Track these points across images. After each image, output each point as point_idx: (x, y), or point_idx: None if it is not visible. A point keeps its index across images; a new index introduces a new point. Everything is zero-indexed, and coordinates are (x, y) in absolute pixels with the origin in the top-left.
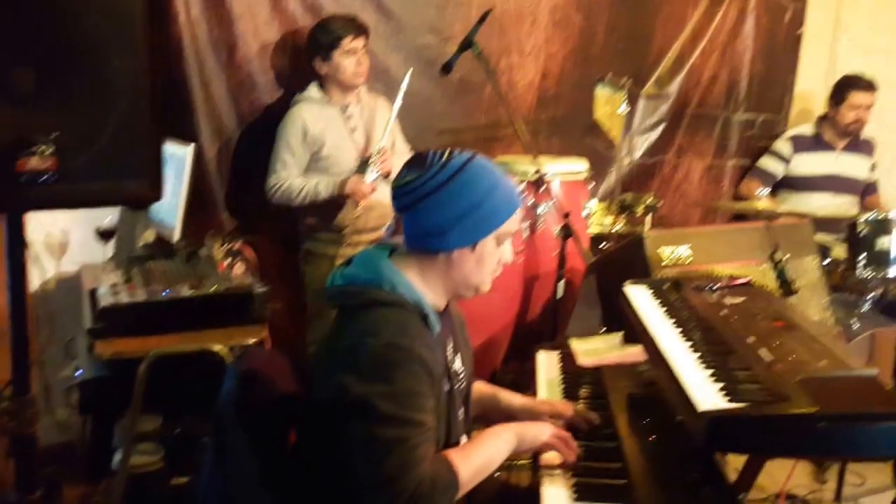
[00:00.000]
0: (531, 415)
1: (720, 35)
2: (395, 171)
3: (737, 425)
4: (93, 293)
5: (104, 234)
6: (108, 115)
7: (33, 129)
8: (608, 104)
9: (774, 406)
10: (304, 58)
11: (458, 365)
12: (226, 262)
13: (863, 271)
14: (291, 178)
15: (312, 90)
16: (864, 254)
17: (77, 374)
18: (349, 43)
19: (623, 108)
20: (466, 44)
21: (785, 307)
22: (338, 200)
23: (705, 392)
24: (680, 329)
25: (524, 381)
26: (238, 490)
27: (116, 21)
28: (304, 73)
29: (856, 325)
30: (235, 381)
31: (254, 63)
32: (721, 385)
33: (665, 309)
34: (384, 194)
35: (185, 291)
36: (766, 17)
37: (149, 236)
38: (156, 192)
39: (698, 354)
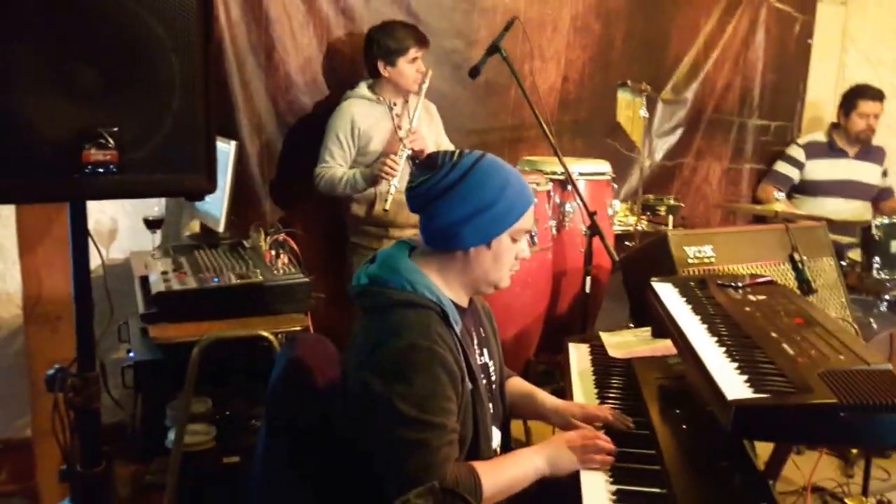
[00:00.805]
0: (562, 418)
1: (733, 44)
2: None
3: (762, 414)
4: (144, 280)
5: (152, 224)
6: (166, 111)
7: (97, 124)
8: (629, 108)
9: (797, 396)
10: (340, 63)
11: (485, 358)
12: (272, 253)
13: (879, 273)
14: (336, 168)
15: (363, 88)
16: (879, 257)
17: (130, 355)
18: (415, 52)
19: (643, 112)
20: (493, 49)
21: (806, 305)
22: (374, 195)
23: (732, 383)
24: (706, 325)
25: (555, 372)
26: (280, 470)
27: (173, 23)
28: (339, 73)
29: (874, 326)
30: (285, 366)
31: (290, 64)
32: (746, 377)
33: (691, 306)
34: None
35: (234, 280)
36: (776, 28)
37: (194, 227)
38: (211, 185)
39: (724, 349)
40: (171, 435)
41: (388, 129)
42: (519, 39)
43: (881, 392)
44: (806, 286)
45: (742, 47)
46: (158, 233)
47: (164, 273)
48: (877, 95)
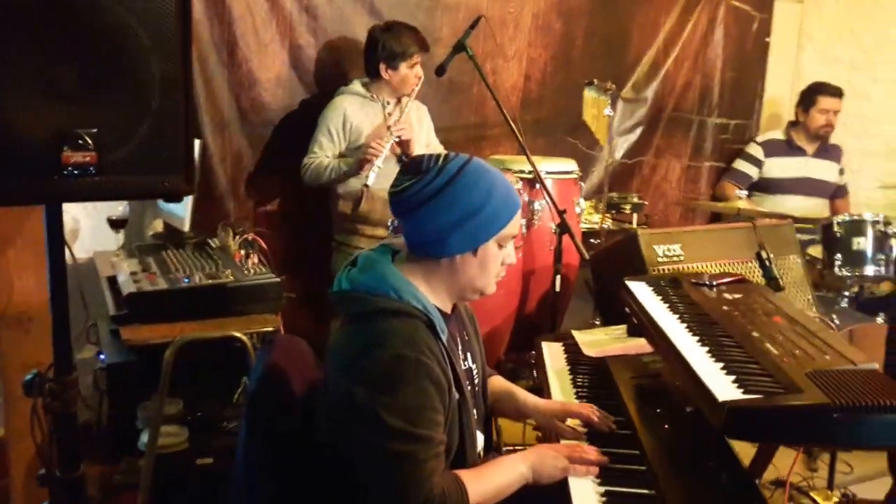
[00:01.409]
0: (544, 416)
1: (692, 43)
2: (417, 150)
3: (754, 415)
4: (112, 280)
5: (116, 223)
6: (145, 112)
7: (76, 125)
8: (595, 106)
9: (788, 397)
10: (304, 62)
11: (469, 363)
12: (242, 253)
13: (840, 270)
14: (322, 158)
15: (357, 85)
16: (840, 254)
17: (100, 357)
18: (417, 58)
19: (608, 111)
20: (459, 47)
21: (782, 303)
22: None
23: (720, 384)
24: (686, 325)
25: (524, 370)
26: (261, 473)
27: (152, 23)
28: (302, 71)
29: (836, 322)
30: (264, 368)
31: (253, 62)
32: (734, 377)
33: (668, 305)
34: None
35: (204, 280)
36: (734, 27)
37: (157, 226)
38: (190, 186)
39: (707, 349)
40: (144, 437)
41: (379, 126)
42: (482, 38)
43: (872, 392)
44: (774, 283)
45: (701, 46)
46: (122, 232)
47: (134, 274)
48: (836, 92)
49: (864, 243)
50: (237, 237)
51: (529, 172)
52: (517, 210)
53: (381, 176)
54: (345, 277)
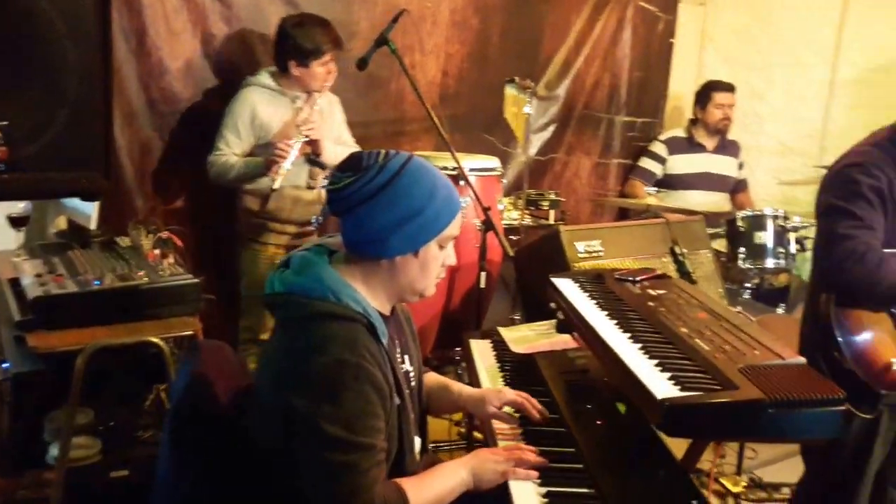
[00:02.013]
0: (478, 404)
1: (601, 42)
2: (328, 155)
3: (694, 412)
4: (15, 283)
5: (16, 221)
6: (61, 103)
7: None
8: (515, 104)
9: (725, 393)
10: (217, 50)
11: (406, 366)
12: (156, 252)
13: (743, 263)
14: (229, 156)
15: (265, 77)
16: (744, 247)
17: (4, 366)
18: (330, 55)
19: (527, 109)
20: (382, 41)
21: (705, 298)
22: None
23: (657, 381)
24: (616, 321)
25: (448, 367)
26: (188, 486)
27: (68, 12)
28: (213, 61)
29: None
30: (189, 378)
31: (164, 50)
32: (670, 374)
33: (595, 301)
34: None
35: (117, 282)
36: (642, 27)
37: (61, 224)
38: (109, 183)
39: (640, 345)
40: (54, 450)
41: (288, 124)
42: (401, 32)
43: (803, 387)
44: (687, 278)
45: (610, 45)
46: (22, 231)
47: (39, 276)
48: (728, 87)
49: (766, 237)
50: (150, 235)
51: (453, 169)
52: (459, 210)
53: (292, 173)
54: (278, 279)
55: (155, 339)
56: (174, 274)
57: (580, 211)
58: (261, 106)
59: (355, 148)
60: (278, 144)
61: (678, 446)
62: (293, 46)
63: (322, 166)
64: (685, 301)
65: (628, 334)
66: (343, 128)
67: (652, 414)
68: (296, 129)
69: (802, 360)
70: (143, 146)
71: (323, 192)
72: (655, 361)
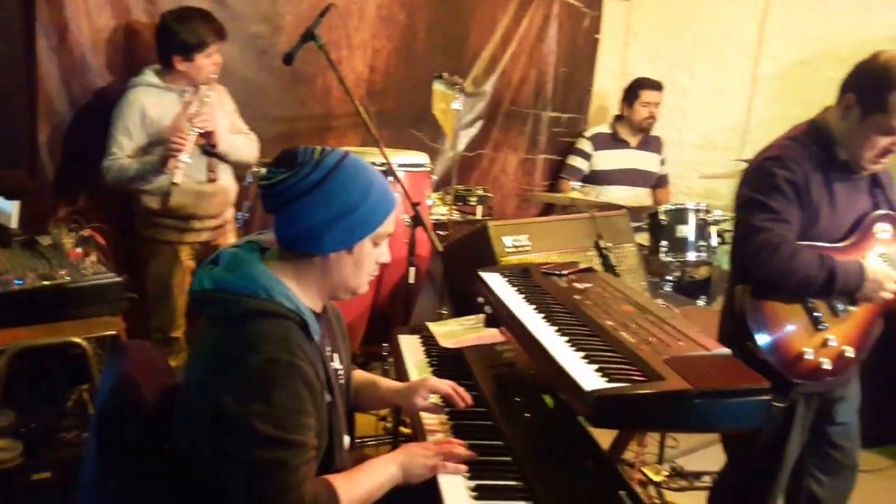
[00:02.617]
0: (404, 396)
1: (528, 38)
2: (224, 145)
3: (621, 403)
4: None
5: None
6: None
7: None
8: (443, 100)
9: (651, 385)
10: (141, 45)
11: (336, 363)
12: (78, 251)
13: (665, 256)
14: (124, 159)
15: (149, 76)
16: (666, 241)
17: None
18: (214, 47)
19: (456, 105)
20: (308, 35)
21: (631, 291)
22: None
23: (584, 373)
24: (543, 314)
25: (375, 363)
26: (114, 488)
27: None
28: (137, 56)
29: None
30: (115, 380)
31: (85, 46)
32: (597, 366)
33: (523, 295)
34: (226, 181)
35: (38, 282)
36: (567, 23)
37: None
38: (33, 181)
39: (567, 338)
40: None
41: (178, 117)
42: (328, 27)
43: (728, 377)
44: (611, 271)
45: (536, 41)
46: None
47: None
48: (656, 86)
49: (687, 230)
50: (72, 234)
51: (382, 165)
52: (394, 207)
53: (190, 168)
54: (207, 276)
55: (77, 340)
56: (97, 273)
57: (506, 206)
58: (149, 105)
59: (251, 135)
60: (172, 138)
61: (605, 438)
62: (176, 41)
63: (220, 157)
64: (610, 294)
65: (555, 327)
66: (235, 116)
67: (580, 406)
68: (188, 123)
69: (727, 350)
70: (65, 144)
71: (227, 185)
72: (582, 354)
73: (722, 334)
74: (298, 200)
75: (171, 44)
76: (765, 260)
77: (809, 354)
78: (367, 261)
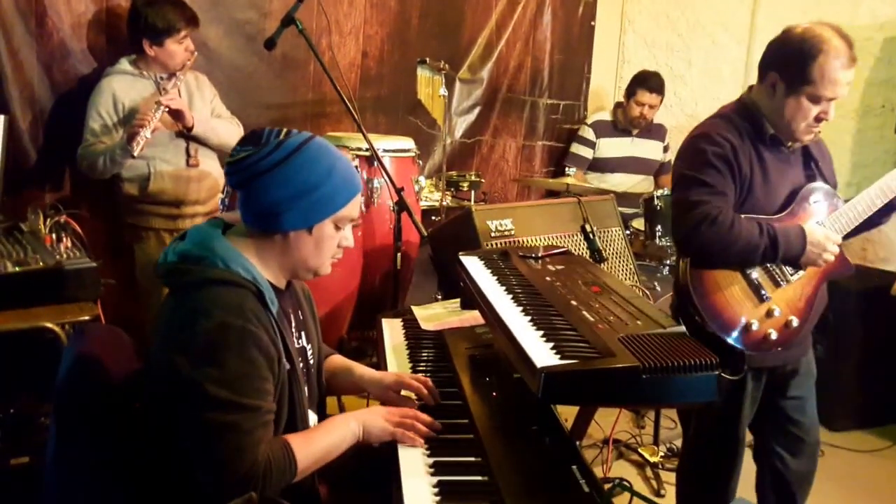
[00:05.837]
0: (378, 388)
1: (522, 25)
2: (198, 127)
3: (570, 379)
4: None
5: None
6: None
7: None
8: (428, 86)
9: (601, 361)
10: (122, 30)
11: (303, 342)
12: (52, 237)
13: (660, 241)
14: (97, 145)
15: (124, 64)
16: (660, 225)
17: None
18: (185, 32)
19: (442, 91)
20: (288, 20)
21: (601, 273)
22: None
23: (539, 350)
24: (511, 295)
25: (367, 348)
26: (83, 472)
27: None
28: (119, 42)
29: (658, 289)
30: (73, 361)
31: (65, 31)
32: (552, 344)
33: (496, 277)
34: (213, 166)
35: (11, 268)
36: (561, 11)
37: None
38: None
39: (529, 318)
40: None
41: (149, 99)
42: (315, 12)
43: (678, 354)
44: (598, 255)
45: (531, 28)
46: None
47: None
48: (655, 88)
49: None
50: (48, 220)
51: (367, 150)
52: (357, 193)
53: (168, 153)
54: (171, 250)
55: (50, 325)
56: (71, 258)
57: (508, 192)
58: (122, 91)
59: (234, 119)
60: (137, 115)
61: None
62: (145, 25)
63: (199, 141)
64: (580, 276)
65: (520, 307)
66: (217, 102)
67: (531, 382)
68: (154, 101)
69: (682, 328)
70: (47, 130)
71: (213, 170)
72: (541, 332)
73: (673, 313)
74: (260, 177)
75: (141, 28)
76: (704, 232)
77: (755, 325)
78: (328, 243)
